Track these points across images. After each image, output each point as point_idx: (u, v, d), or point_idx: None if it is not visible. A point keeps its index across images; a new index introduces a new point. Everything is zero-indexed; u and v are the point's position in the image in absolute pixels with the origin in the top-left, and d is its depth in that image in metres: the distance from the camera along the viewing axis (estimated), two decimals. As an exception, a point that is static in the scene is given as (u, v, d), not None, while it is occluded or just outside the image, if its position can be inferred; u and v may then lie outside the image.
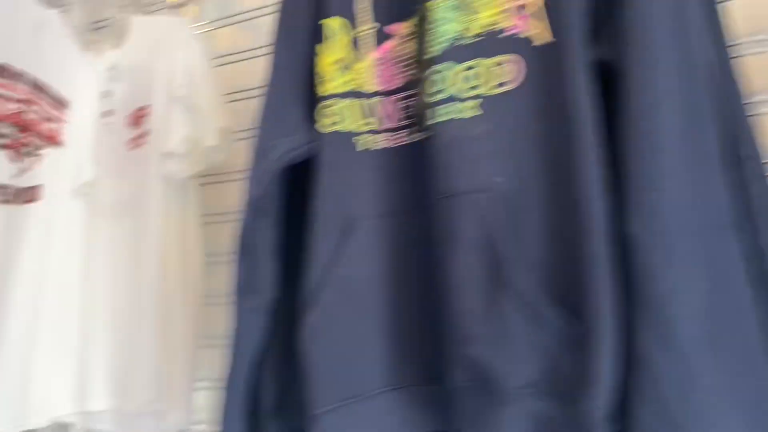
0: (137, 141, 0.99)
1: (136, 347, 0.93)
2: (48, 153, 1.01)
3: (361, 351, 0.62)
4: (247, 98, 1.08)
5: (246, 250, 0.66)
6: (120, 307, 0.98)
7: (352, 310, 0.62)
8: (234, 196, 1.17)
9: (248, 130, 1.10)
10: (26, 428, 0.99)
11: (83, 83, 1.06)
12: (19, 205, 0.97)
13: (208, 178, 1.04)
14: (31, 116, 0.97)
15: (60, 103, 1.03)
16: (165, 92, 0.95)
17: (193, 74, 0.94)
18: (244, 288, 0.66)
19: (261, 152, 0.66)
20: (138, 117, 1.00)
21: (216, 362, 1.10)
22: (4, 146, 0.93)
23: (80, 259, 1.04)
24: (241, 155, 1.10)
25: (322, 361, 0.61)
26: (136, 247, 0.97)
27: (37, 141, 0.99)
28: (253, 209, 0.65)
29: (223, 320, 1.12)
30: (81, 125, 1.06)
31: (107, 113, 1.05)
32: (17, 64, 0.94)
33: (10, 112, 0.93)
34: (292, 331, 0.70)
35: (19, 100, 0.95)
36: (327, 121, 0.66)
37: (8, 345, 0.96)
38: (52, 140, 1.02)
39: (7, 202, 0.94)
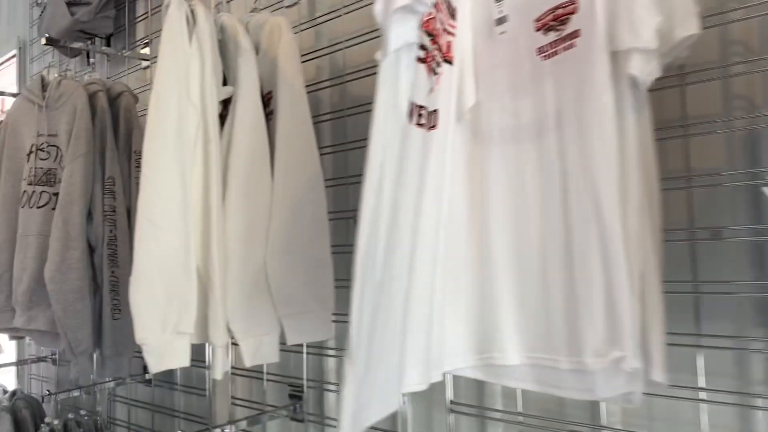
0: (558, 45, 0.81)
1: (582, 291, 0.77)
2: (443, 71, 0.86)
3: None
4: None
5: None
6: (544, 246, 0.82)
7: None
8: (675, 104, 0.98)
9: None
10: (430, 382, 0.86)
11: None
12: (427, 131, 0.82)
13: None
14: (437, 25, 0.82)
15: (451, 13, 0.88)
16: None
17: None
18: None
19: None
20: (556, 17, 0.81)
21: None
22: (422, 60, 0.79)
23: (470, 196, 0.89)
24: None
25: None
26: (565, 173, 0.80)
27: (438, 56, 0.84)
28: None
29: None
30: (465, 39, 0.90)
31: (500, 20, 0.88)
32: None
33: (426, 17, 0.78)
34: None
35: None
36: None
37: (418, 290, 0.82)
38: (448, 56, 0.86)
39: (421, 126, 0.80)
